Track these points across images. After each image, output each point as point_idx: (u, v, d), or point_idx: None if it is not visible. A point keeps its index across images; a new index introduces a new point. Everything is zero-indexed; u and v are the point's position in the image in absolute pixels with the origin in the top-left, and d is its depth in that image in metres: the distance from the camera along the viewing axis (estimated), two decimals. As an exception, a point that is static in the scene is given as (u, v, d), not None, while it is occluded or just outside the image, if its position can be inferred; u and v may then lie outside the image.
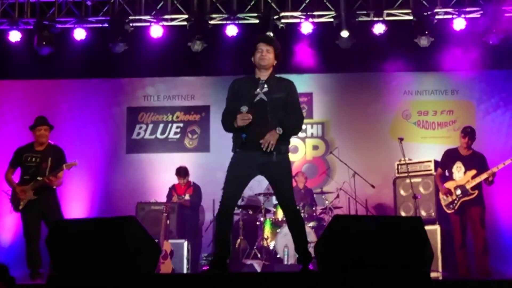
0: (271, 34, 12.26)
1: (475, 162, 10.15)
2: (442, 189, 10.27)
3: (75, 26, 12.78)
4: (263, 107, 6.85)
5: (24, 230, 9.66)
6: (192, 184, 12.65)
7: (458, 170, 10.18)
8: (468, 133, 10.33)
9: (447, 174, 10.43)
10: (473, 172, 9.98)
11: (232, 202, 7.01)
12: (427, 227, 5.69)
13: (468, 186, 9.96)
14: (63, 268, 5.67)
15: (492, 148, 12.40)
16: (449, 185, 10.15)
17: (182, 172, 12.59)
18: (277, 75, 7.13)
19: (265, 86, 6.93)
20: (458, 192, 9.98)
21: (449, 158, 10.39)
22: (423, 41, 12.34)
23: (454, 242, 10.37)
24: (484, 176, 9.90)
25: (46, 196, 9.63)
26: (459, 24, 12.36)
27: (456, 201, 10.02)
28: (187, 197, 12.45)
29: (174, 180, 12.67)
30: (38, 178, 9.60)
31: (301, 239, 6.94)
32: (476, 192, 9.96)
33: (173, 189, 12.68)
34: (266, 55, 6.95)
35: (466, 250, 10.09)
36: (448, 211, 10.22)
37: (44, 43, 12.56)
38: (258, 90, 6.91)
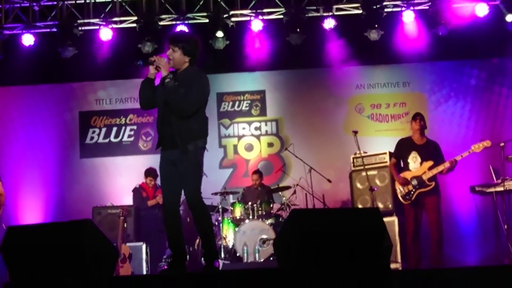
0: (221, 34, 12.32)
1: (431, 152, 9.92)
2: (398, 178, 9.98)
3: (23, 31, 12.67)
4: (165, 105, 6.84)
5: None
6: (158, 186, 12.30)
7: (414, 161, 9.90)
8: (419, 115, 10.11)
9: (402, 164, 10.16)
10: (430, 163, 9.75)
11: (173, 203, 6.98)
12: (384, 219, 5.68)
13: (425, 177, 9.70)
14: (19, 275, 5.57)
15: (445, 138, 12.46)
16: (406, 175, 9.90)
17: (153, 172, 12.25)
18: (194, 70, 6.98)
19: (168, 84, 6.79)
20: (415, 182, 9.74)
21: (404, 147, 10.12)
22: (373, 35, 12.44)
23: (406, 233, 10.15)
24: (441, 168, 9.65)
25: None
26: (408, 16, 12.50)
27: (412, 192, 9.78)
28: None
29: (130, 183, 12.54)
30: None
31: (206, 237, 7.06)
32: (433, 183, 9.72)
33: (141, 189, 12.44)
34: (170, 54, 6.90)
35: (419, 242, 9.96)
36: (404, 202, 9.96)
37: (-9, 50, 12.45)
38: (161, 90, 6.89)
